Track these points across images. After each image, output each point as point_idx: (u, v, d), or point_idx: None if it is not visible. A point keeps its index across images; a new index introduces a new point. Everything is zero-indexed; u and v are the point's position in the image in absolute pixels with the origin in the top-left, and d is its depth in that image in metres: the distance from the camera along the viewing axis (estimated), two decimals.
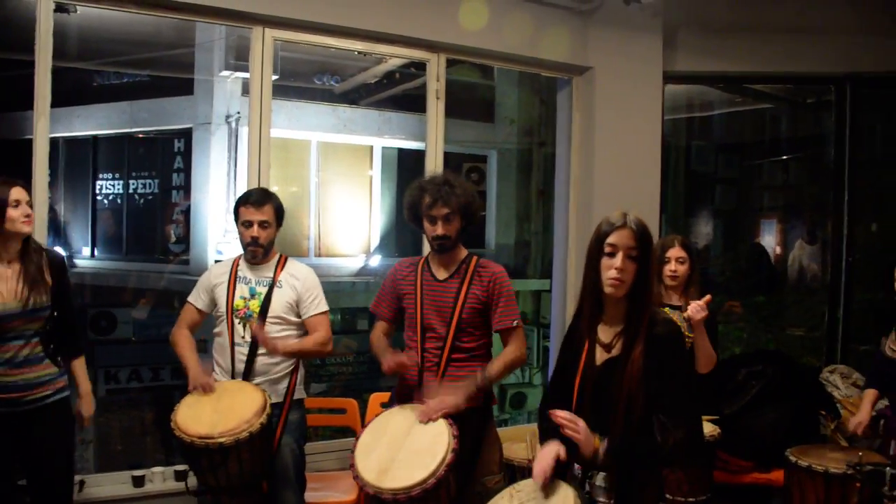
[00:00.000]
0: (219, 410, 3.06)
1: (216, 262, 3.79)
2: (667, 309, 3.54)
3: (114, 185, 10.38)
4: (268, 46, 4.02)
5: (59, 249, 8.69)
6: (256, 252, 3.40)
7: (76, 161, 10.40)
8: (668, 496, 3.64)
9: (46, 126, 3.56)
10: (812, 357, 6.03)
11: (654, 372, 2.22)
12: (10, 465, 3.12)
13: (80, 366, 3.28)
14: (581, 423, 2.24)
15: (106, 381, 9.33)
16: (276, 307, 3.37)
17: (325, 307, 3.47)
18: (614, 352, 2.32)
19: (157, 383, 9.45)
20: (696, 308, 3.45)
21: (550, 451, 2.30)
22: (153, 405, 9.02)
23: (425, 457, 2.78)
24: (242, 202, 3.43)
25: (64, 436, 3.20)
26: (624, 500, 2.28)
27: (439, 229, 3.11)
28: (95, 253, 10.41)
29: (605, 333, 2.36)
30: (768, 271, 7.38)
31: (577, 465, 2.38)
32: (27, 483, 3.18)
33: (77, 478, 3.73)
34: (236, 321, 3.37)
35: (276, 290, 3.40)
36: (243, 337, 3.35)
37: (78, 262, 10.22)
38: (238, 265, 3.47)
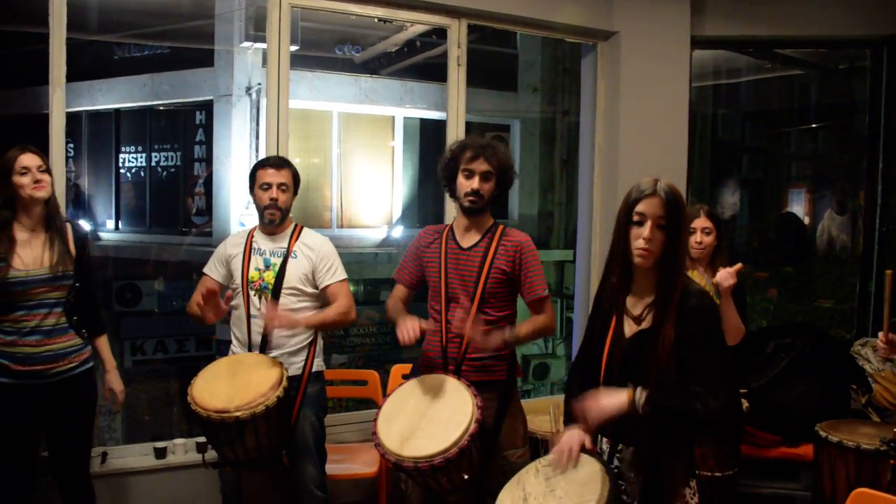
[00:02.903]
0: (235, 384, 3.03)
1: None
2: (695, 273, 3.45)
3: (136, 158, 10.45)
4: (284, 14, 3.94)
5: (83, 223, 8.78)
6: (274, 215, 3.35)
7: (99, 134, 10.47)
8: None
9: (62, 97, 3.53)
10: (841, 329, 5.93)
11: (687, 344, 2.15)
12: (35, 437, 3.14)
13: (104, 343, 3.31)
14: (598, 401, 2.18)
15: (132, 353, 9.46)
16: (292, 278, 3.33)
17: (342, 275, 3.42)
18: (644, 324, 2.24)
19: (183, 354, 9.56)
20: (726, 275, 3.37)
21: (575, 439, 2.25)
22: (178, 376, 9.12)
23: (449, 426, 2.74)
24: (261, 165, 3.40)
25: (87, 409, 3.21)
26: (653, 475, 2.22)
27: (475, 183, 3.04)
28: (119, 226, 10.49)
29: (634, 305, 2.29)
30: (798, 241, 7.25)
31: (605, 440, 2.33)
32: (49, 454, 3.20)
33: (100, 449, 3.77)
34: (252, 293, 3.33)
35: (290, 261, 3.35)
36: (259, 309, 3.31)
37: (102, 235, 10.31)
38: (253, 236, 3.43)
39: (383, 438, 2.79)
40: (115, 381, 3.31)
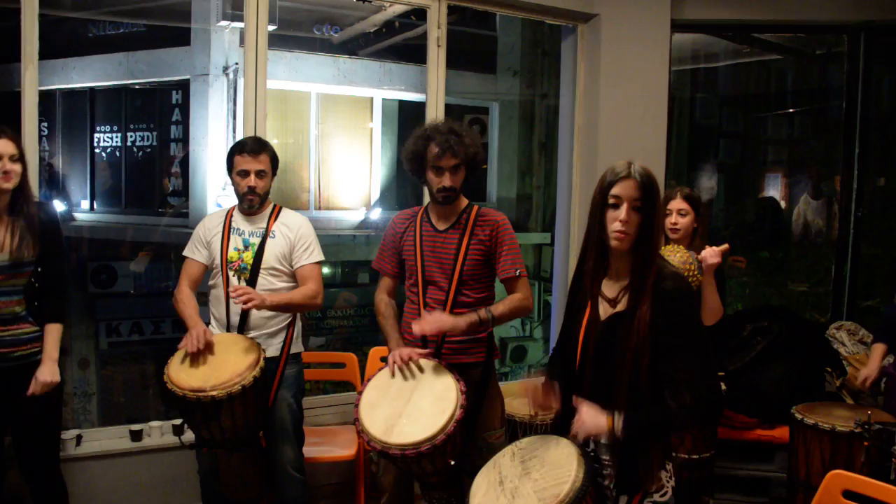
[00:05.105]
0: (212, 364, 3.01)
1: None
2: (680, 247, 3.45)
3: (112, 138, 10.30)
4: None
5: (57, 203, 8.64)
6: (253, 201, 3.32)
7: (74, 113, 10.30)
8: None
9: (35, 75, 3.47)
10: (816, 313, 6.00)
11: (663, 328, 2.15)
12: (1, 425, 3.07)
13: (54, 331, 3.10)
14: (582, 414, 2.20)
15: (107, 335, 9.37)
16: (270, 258, 3.31)
17: (318, 257, 3.40)
18: (619, 307, 2.24)
19: (159, 336, 9.48)
20: (712, 253, 3.37)
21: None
22: (154, 358, 9.06)
23: (434, 412, 2.72)
24: (237, 151, 3.34)
25: (51, 397, 3.10)
26: (629, 458, 2.23)
27: (446, 181, 3.00)
28: (94, 206, 10.36)
29: (609, 288, 2.29)
30: (775, 226, 7.31)
31: None
32: (13, 441, 3.13)
33: (75, 432, 3.74)
34: (231, 273, 3.30)
35: (269, 241, 3.33)
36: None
37: (77, 215, 10.18)
38: (232, 216, 3.40)
39: (367, 426, 2.74)
40: (44, 370, 3.02)
